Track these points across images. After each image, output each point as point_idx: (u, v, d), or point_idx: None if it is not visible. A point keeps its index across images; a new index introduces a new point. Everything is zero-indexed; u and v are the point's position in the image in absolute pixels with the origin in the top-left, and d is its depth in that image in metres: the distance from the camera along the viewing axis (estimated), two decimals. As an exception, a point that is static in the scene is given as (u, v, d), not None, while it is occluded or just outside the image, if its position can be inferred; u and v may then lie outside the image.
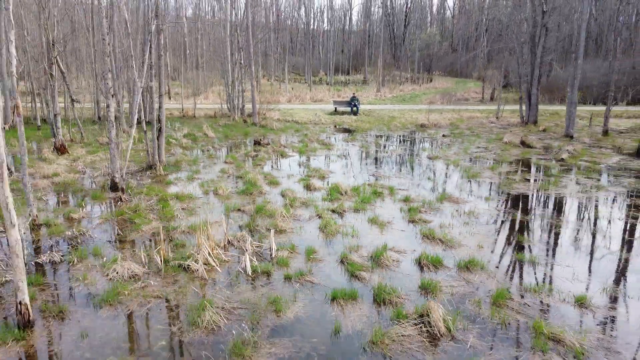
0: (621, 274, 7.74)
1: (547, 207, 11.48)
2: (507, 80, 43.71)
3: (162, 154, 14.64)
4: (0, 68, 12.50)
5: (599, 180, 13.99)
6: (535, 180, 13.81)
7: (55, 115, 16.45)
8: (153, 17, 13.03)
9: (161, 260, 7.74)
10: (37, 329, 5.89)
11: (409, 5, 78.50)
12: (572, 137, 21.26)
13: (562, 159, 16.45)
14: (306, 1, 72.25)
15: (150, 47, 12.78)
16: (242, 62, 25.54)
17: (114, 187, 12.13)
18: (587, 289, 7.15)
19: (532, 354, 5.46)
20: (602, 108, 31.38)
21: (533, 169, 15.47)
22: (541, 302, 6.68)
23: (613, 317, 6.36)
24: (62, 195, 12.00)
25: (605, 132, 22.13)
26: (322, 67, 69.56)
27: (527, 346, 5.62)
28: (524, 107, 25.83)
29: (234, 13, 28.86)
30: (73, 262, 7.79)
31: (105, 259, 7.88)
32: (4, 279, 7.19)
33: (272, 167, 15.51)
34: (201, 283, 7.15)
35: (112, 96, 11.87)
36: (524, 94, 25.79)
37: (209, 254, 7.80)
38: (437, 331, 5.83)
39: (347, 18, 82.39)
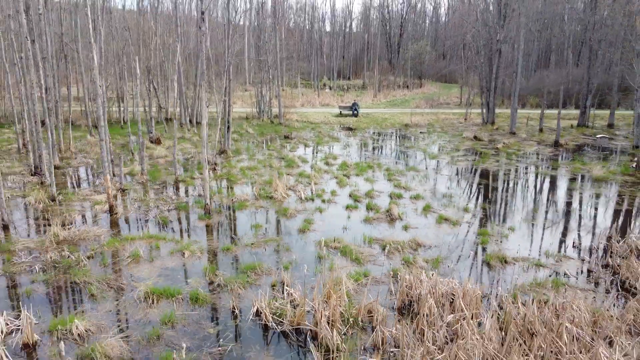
0: (490, 197, 14.32)
1: (472, 173, 18.04)
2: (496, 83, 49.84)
3: (229, 143, 21.18)
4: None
5: (512, 159, 20.53)
6: (472, 160, 20.35)
7: (150, 118, 22.97)
8: (227, 55, 19.53)
9: (256, 194, 14.31)
10: (213, 216, 12.45)
11: (404, 16, 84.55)
12: (514, 133, 27.71)
13: (497, 148, 22.95)
14: (310, 10, 78.67)
15: (227, 75, 19.29)
16: (271, 76, 32.07)
17: (207, 162, 18.65)
18: (468, 204, 13.75)
19: (435, 223, 12.03)
20: (557, 111, 37.76)
21: (474, 154, 21.95)
22: (451, 208, 13.26)
23: (474, 215, 12.95)
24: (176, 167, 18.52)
25: (541, 130, 28.60)
26: (325, 72, 75.77)
27: (435, 221, 12.17)
28: (484, 111, 32.23)
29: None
30: (211, 195, 14.34)
31: (226, 193, 14.45)
32: (190, 198, 13.79)
33: (300, 152, 22.00)
34: (279, 203, 13.68)
35: (207, 107, 18.38)
36: (484, 101, 32.20)
37: (282, 191, 14.36)
38: (394, 217, 12.37)
39: (348, 26, 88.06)
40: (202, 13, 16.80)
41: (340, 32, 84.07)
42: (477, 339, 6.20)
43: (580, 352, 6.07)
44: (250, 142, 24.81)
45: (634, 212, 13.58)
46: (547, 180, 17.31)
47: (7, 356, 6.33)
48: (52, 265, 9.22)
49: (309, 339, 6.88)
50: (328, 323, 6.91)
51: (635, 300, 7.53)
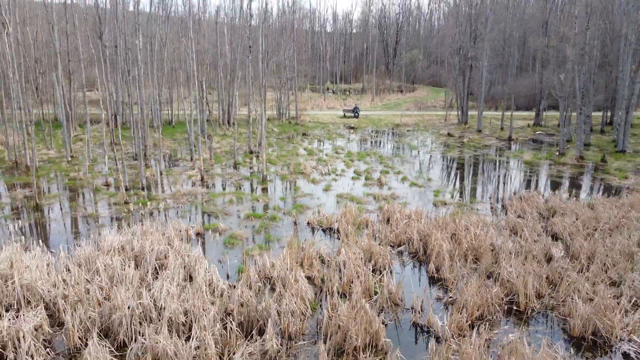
0: (447, 173, 20.59)
1: (439, 158, 24.30)
2: (470, 90, 55.90)
3: (264, 138, 27.39)
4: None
5: (471, 150, 26.78)
6: (442, 150, 26.63)
7: (202, 120, 29.21)
8: (264, 78, 25.74)
9: (292, 171, 20.61)
10: (267, 183, 18.75)
11: (400, 24, 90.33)
12: (480, 131, 33.86)
13: (463, 142, 29.16)
14: (312, 16, 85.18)
15: (264, 89, 25.50)
16: (289, 87, 38.32)
17: (250, 152, 24.95)
18: (431, 177, 20.06)
19: (408, 187, 18.31)
20: (524, 113, 43.87)
21: (445, 146, 28.17)
22: (420, 179, 19.56)
23: (434, 182, 19.26)
24: (231, 155, 24.78)
25: (502, 128, 34.76)
26: (328, 77, 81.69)
27: (408, 186, 18.47)
28: (459, 113, 38.35)
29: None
30: (261, 171, 20.65)
31: (270, 171, 20.74)
32: (249, 173, 20.10)
33: (316, 145, 28.24)
34: (308, 176, 19.94)
35: (253, 111, 24.64)
36: (459, 105, 38.35)
37: (308, 169, 20.64)
38: (382, 183, 18.66)
39: (348, 32, 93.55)
40: (250, 47, 23.08)
41: (342, 38, 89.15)
42: (417, 225, 12.51)
43: (465, 231, 12.36)
44: (276, 138, 31.06)
45: (535, 179, 19.86)
46: (491, 163, 23.59)
47: (192, 234, 12.65)
48: (186, 204, 15.57)
49: (335, 232, 13.19)
50: (346, 224, 13.21)
51: (506, 216, 13.82)
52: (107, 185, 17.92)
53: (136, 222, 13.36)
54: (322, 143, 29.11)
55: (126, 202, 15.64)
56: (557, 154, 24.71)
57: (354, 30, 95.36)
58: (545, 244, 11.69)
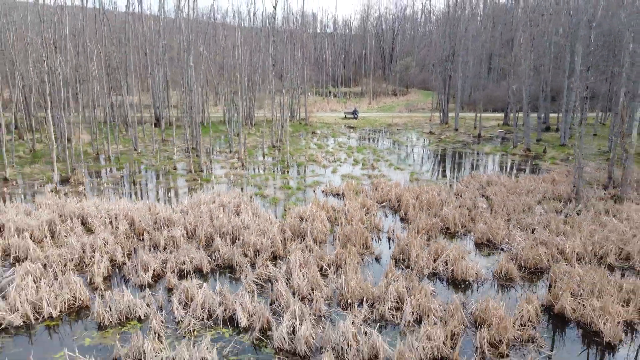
0: (424, 161, 26.50)
1: (420, 150, 30.20)
2: (452, 94, 61.75)
3: (284, 135, 33.31)
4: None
5: (447, 144, 32.65)
6: (423, 145, 32.51)
7: (232, 121, 35.08)
8: (283, 90, 31.57)
9: (307, 158, 26.52)
10: (289, 168, 24.68)
11: (395, 33, 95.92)
12: (457, 129, 39.65)
13: (441, 138, 35.02)
14: (314, 22, 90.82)
15: (283, 99, 31.34)
16: (300, 92, 44.22)
17: (272, 146, 30.84)
18: (411, 163, 26.00)
19: (393, 170, 24.23)
20: (498, 114, 49.66)
21: (426, 141, 34.02)
22: (402, 165, 25.49)
23: (413, 167, 25.21)
24: (257, 148, 30.65)
25: (475, 127, 40.59)
26: (330, 81, 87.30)
27: (393, 169, 24.38)
28: (441, 115, 44.19)
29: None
30: (284, 159, 26.57)
31: (290, 159, 26.66)
32: (279, 159, 26.06)
33: (323, 141, 34.09)
34: (319, 162, 25.82)
35: (275, 114, 30.52)
36: (441, 107, 44.21)
37: (320, 158, 26.55)
38: (374, 167, 24.57)
39: (348, 38, 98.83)
40: (273, 65, 28.97)
41: (342, 44, 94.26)
42: (395, 190, 18.44)
43: (425, 193, 18.25)
44: (290, 136, 36.94)
45: (488, 165, 25.76)
46: (459, 153, 29.48)
47: (244, 196, 18.61)
48: (236, 181, 21.51)
49: (341, 196, 19.12)
50: (348, 191, 19.12)
51: (457, 185, 19.76)
52: (175, 169, 23.85)
53: (208, 190, 19.31)
54: (327, 139, 35.01)
55: (194, 179, 21.58)
56: (512, 147, 30.57)
57: (353, 32, 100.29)
58: (476, 201, 17.60)
